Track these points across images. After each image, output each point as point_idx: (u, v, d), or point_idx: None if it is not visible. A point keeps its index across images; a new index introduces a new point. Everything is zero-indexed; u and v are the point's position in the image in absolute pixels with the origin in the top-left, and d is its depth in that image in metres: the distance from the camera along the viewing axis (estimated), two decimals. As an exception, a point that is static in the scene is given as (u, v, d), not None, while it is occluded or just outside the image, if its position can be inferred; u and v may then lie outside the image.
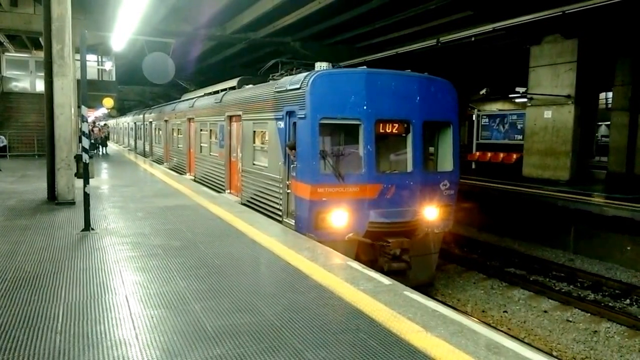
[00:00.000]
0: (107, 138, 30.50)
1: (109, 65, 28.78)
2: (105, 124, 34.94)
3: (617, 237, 11.70)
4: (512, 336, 5.02)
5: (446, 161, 9.31)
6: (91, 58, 27.01)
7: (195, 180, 15.65)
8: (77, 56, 10.51)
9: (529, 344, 7.15)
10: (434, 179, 9.01)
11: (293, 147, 8.63)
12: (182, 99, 21.28)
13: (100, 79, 28.09)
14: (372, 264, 7.61)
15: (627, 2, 10.96)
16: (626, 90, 17.45)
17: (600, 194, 14.17)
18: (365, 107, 8.27)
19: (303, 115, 8.23)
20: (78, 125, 15.89)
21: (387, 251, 8.42)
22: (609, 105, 25.82)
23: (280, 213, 9.25)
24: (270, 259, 6.30)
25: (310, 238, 7.64)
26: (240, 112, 11.55)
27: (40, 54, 18.48)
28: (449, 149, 9.27)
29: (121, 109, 48.56)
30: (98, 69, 28.11)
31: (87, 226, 7.61)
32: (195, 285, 5.17)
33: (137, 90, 44.73)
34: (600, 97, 28.01)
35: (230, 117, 12.57)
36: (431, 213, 8.92)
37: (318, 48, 22.25)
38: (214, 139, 14.23)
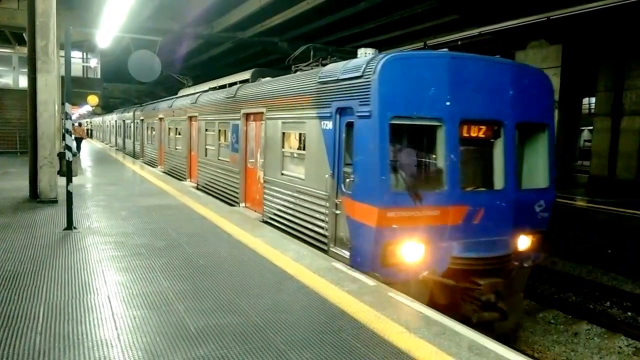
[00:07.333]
0: (80, 140, 24.97)
1: (94, 62, 28.49)
2: (79, 124, 28.10)
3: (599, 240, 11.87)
4: (493, 338, 5.07)
5: (540, 175, 7.23)
6: (76, 55, 26.74)
7: (197, 189, 13.56)
8: (62, 52, 10.38)
9: (510, 346, 7.23)
10: (530, 198, 6.95)
11: None
12: (179, 94, 19.27)
13: (85, 76, 27.77)
14: (451, 310, 5.74)
15: (611, 9, 11.16)
16: (609, 96, 17.76)
17: (582, 197, 14.38)
18: (448, 104, 6.29)
19: (366, 113, 6.19)
20: (62, 123, 15.65)
21: (475, 295, 6.35)
22: (592, 110, 26.26)
23: (325, 240, 7.19)
24: (255, 260, 6.28)
25: (373, 277, 5.82)
26: (262, 109, 9.61)
27: (24, 50, 18.20)
28: (543, 159, 7.21)
29: (106, 107, 48.04)
30: (83, 66, 27.82)
31: (70, 225, 7.53)
32: (179, 286, 5.14)
33: (122, 88, 44.36)
34: (583, 102, 28.46)
35: (248, 115, 10.68)
36: (523, 242, 6.94)
37: (306, 49, 22.25)
38: (223, 140, 12.22)
